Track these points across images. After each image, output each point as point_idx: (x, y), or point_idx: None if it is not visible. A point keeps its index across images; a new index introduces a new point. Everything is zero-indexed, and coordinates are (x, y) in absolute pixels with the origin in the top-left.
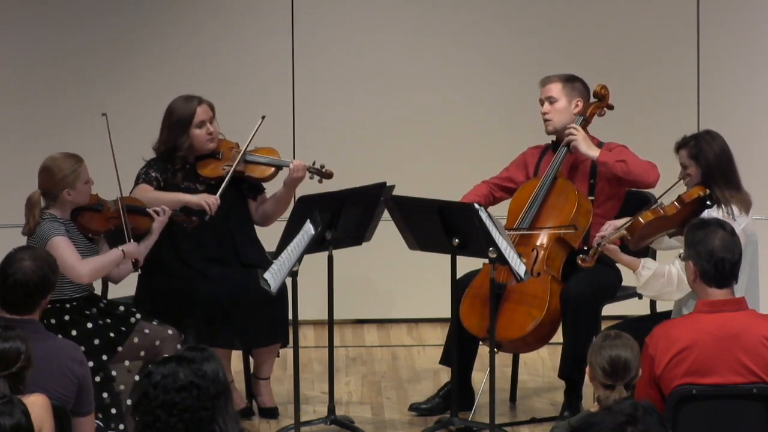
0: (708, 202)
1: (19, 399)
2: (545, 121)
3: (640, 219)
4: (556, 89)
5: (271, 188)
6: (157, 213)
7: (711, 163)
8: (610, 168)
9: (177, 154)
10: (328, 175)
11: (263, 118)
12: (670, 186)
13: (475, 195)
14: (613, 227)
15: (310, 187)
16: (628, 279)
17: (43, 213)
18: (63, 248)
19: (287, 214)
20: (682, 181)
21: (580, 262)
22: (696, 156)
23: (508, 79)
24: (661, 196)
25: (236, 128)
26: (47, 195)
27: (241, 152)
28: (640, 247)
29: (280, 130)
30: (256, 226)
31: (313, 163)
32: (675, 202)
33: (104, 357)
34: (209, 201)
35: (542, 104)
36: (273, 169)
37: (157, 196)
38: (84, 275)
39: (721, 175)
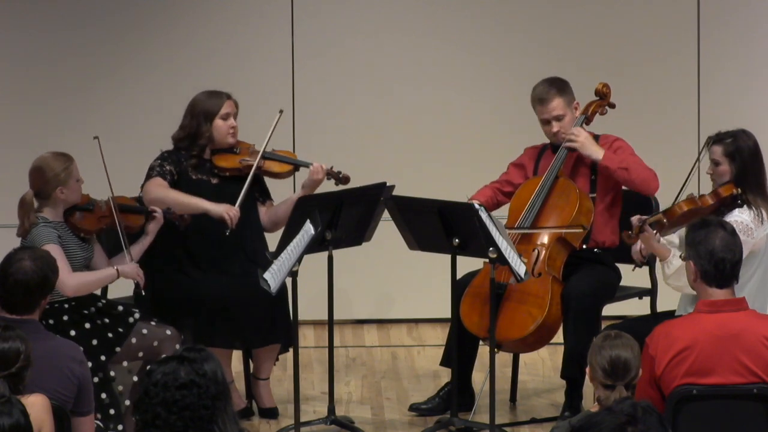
0: (739, 202)
1: (18, 399)
2: (557, 137)
3: (678, 207)
4: (559, 106)
5: (282, 189)
6: (154, 212)
7: (747, 164)
8: (612, 173)
9: (198, 141)
10: (345, 180)
11: (281, 112)
12: (683, 183)
13: (480, 197)
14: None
15: (298, 180)
16: (627, 279)
17: (37, 216)
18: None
19: None
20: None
21: (625, 238)
22: (732, 154)
23: (509, 79)
24: (680, 190)
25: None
26: (40, 195)
27: (262, 148)
28: (665, 235)
29: (281, 129)
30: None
31: (332, 168)
32: (710, 195)
33: (102, 357)
34: (231, 213)
35: (548, 123)
36: (291, 167)
37: (177, 197)
38: (69, 288)
39: (753, 177)
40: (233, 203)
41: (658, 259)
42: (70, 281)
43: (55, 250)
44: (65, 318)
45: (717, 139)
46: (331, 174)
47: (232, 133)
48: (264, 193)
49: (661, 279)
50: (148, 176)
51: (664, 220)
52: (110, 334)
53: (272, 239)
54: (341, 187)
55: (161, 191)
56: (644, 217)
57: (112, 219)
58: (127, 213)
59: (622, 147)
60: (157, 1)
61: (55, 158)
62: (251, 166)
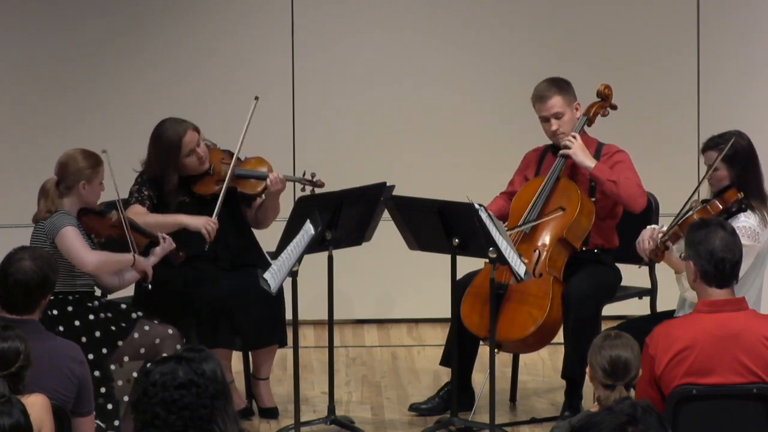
0: (743, 206)
1: (18, 399)
2: (557, 136)
3: (693, 218)
4: (558, 104)
5: None
6: (164, 239)
7: (745, 167)
8: (601, 184)
9: (166, 188)
10: (320, 185)
11: (257, 99)
12: (696, 186)
13: (495, 208)
14: (657, 230)
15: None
16: (627, 279)
17: (58, 205)
18: (73, 237)
19: (286, 213)
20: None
21: (653, 257)
22: (730, 159)
23: (509, 79)
24: (690, 198)
25: (236, 130)
26: (62, 183)
27: (231, 167)
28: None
29: (281, 130)
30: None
31: (303, 174)
32: (718, 201)
33: (104, 350)
34: (209, 228)
35: (547, 121)
36: (263, 182)
37: (156, 219)
38: (90, 262)
39: (754, 179)
40: (220, 215)
41: (674, 272)
42: (91, 257)
43: (74, 232)
44: (69, 309)
45: (712, 144)
46: (303, 181)
47: (201, 161)
48: (247, 199)
49: (663, 282)
50: (127, 202)
51: (681, 233)
52: (113, 327)
53: (270, 239)
54: (326, 183)
55: (136, 216)
56: (656, 228)
57: (120, 230)
58: (134, 231)
59: (623, 161)
60: (157, 2)
61: (87, 154)
62: (228, 187)
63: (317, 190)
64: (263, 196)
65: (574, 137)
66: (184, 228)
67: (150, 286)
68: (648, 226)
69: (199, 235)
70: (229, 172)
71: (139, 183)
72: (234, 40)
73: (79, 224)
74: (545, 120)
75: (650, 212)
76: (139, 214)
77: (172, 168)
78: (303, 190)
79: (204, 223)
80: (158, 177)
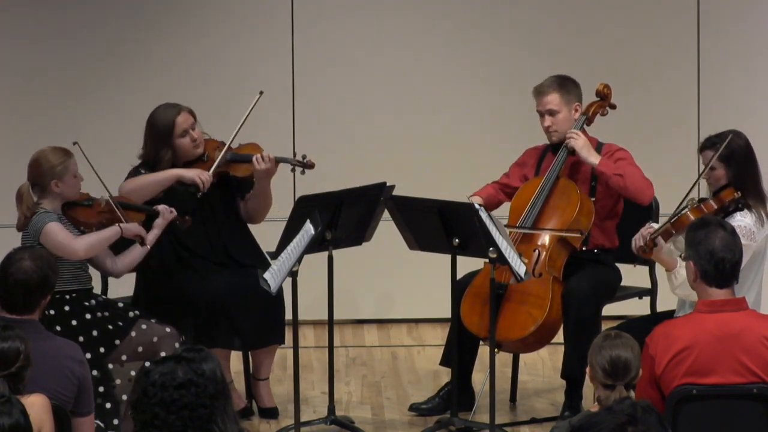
0: (740, 206)
1: (18, 399)
2: (549, 132)
3: (686, 217)
4: (554, 101)
5: (280, 185)
6: (160, 210)
7: (742, 167)
8: (607, 179)
9: (159, 167)
10: (310, 166)
11: (261, 93)
12: (692, 186)
13: (483, 194)
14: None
15: (297, 180)
16: (627, 279)
17: (36, 207)
18: (56, 231)
19: (286, 213)
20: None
21: (640, 252)
22: (727, 158)
23: (509, 79)
24: (686, 196)
25: (237, 126)
26: (36, 186)
27: (223, 150)
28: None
29: (281, 130)
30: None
31: (294, 155)
32: (714, 200)
33: (102, 349)
34: (203, 177)
35: (542, 116)
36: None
37: (151, 178)
38: (79, 249)
39: (751, 178)
40: (215, 207)
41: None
42: (79, 244)
43: (56, 226)
44: (66, 308)
45: (709, 144)
46: (294, 162)
47: (195, 145)
48: (241, 188)
49: (663, 282)
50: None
51: (673, 231)
52: (110, 326)
53: (270, 239)
54: (326, 183)
55: (132, 182)
56: (652, 226)
57: (111, 215)
58: (127, 210)
59: (625, 158)
60: (159, 6)
61: (54, 152)
62: (220, 172)
63: (308, 171)
64: (253, 178)
65: (577, 133)
66: (179, 180)
67: (149, 246)
68: (648, 224)
69: (188, 200)
70: (223, 151)
71: (137, 166)
72: (235, 40)
73: (61, 217)
74: (540, 115)
75: (651, 211)
76: (131, 181)
77: (165, 148)
78: (293, 170)
79: (198, 173)
80: (152, 159)
